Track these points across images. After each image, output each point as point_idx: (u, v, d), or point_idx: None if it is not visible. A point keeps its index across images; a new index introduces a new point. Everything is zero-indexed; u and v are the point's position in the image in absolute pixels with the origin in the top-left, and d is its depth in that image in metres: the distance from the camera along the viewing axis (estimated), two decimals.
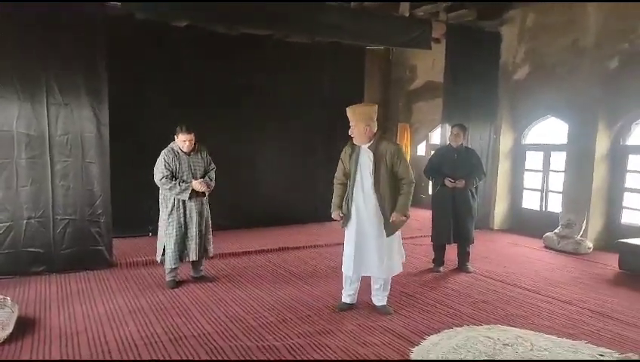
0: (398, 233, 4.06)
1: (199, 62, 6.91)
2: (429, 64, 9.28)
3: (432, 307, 4.28)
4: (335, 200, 4.13)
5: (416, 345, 3.45)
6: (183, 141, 4.49)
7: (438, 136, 9.09)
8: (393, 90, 10.60)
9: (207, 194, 4.65)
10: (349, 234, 4.06)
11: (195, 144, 4.60)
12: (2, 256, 4.79)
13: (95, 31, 5.04)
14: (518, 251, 6.55)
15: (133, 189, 6.54)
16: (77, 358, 3.18)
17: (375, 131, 3.94)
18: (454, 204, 5.26)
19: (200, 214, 4.60)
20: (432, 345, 3.47)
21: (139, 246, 6.13)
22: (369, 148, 3.92)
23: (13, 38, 4.72)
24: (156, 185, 4.59)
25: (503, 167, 7.96)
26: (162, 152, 4.54)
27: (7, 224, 4.81)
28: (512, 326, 3.82)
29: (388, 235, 3.95)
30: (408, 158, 10.09)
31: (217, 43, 7.01)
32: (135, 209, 6.58)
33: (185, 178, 4.51)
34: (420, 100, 9.93)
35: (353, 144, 4.00)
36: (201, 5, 5.56)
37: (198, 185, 4.48)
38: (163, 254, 4.62)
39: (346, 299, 4.20)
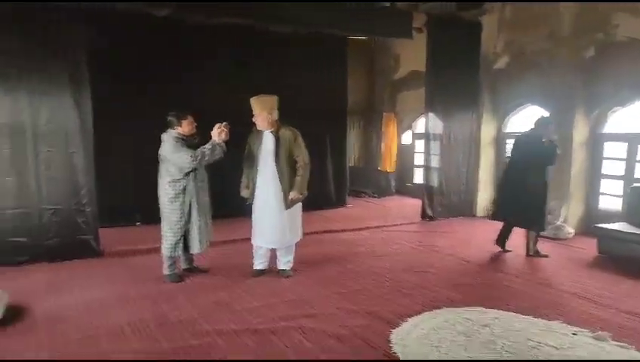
0: (297, 209, 4.62)
1: (182, 54, 6.93)
2: (412, 53, 9.34)
3: (414, 290, 4.39)
4: (243, 179, 4.67)
5: (397, 327, 3.56)
6: (191, 123, 4.42)
7: (422, 124, 9.18)
8: (378, 80, 10.66)
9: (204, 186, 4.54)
10: (254, 208, 4.63)
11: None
12: None
13: (76, 21, 5.04)
14: None
15: (121, 180, 6.58)
16: (66, 344, 3.24)
17: (277, 118, 4.48)
18: None
19: (199, 203, 4.46)
20: (412, 326, 3.58)
21: (126, 235, 6.17)
22: (271, 133, 4.46)
23: None
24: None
25: (486, 156, 8.10)
26: (170, 141, 4.32)
27: None
28: (491, 308, 3.96)
29: (286, 208, 4.48)
30: (395, 148, 10.25)
31: (196, 33, 6.96)
32: (122, 199, 6.61)
33: None
34: (405, 89, 10.01)
35: (258, 130, 4.52)
36: None
37: (216, 132, 4.32)
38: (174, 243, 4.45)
39: (257, 266, 4.78)
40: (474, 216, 8.02)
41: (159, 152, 4.39)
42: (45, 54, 4.90)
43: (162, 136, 4.41)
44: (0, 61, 4.76)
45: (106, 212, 5.70)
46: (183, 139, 4.38)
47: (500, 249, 5.74)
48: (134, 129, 6.46)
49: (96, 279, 4.61)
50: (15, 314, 3.70)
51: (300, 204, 4.65)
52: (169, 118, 4.43)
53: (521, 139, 5.68)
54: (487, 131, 8.06)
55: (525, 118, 7.78)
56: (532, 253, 5.57)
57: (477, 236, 6.67)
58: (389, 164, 10.32)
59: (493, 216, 5.91)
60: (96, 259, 5.23)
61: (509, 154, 5.85)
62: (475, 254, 5.68)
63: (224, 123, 4.39)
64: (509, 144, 7.91)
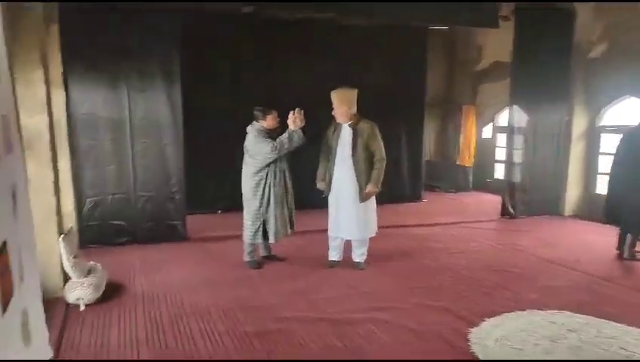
0: (372, 202, 4.64)
1: (268, 50, 7.09)
2: (496, 43, 8.92)
3: (493, 290, 4.25)
4: (320, 172, 4.75)
5: (475, 326, 3.47)
6: (275, 118, 4.60)
7: (505, 118, 8.76)
8: (458, 71, 10.31)
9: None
10: (331, 200, 4.69)
11: None
12: (93, 228, 5.35)
13: (170, 23, 5.37)
14: (590, 238, 6.25)
15: (204, 170, 6.95)
16: (158, 320, 3.53)
17: (355, 112, 4.52)
18: None
19: (277, 194, 4.61)
20: (493, 326, 3.48)
21: (209, 222, 6.53)
22: (349, 126, 4.52)
23: (99, 31, 5.16)
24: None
25: (576, 151, 7.57)
26: (253, 133, 4.54)
27: (96, 199, 5.34)
28: (579, 313, 3.73)
29: (361, 201, 4.51)
30: (473, 141, 9.89)
31: (279, 28, 7.12)
32: (205, 188, 6.99)
33: None
34: (487, 81, 9.60)
35: (336, 123, 4.59)
36: None
37: (291, 120, 4.48)
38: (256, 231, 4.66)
39: (332, 257, 4.84)
40: (561, 215, 7.54)
41: (244, 144, 4.61)
42: (142, 53, 5.30)
43: (247, 128, 4.63)
44: (108, 61, 5.24)
45: (191, 200, 6.05)
46: (265, 132, 4.57)
47: (624, 256, 5.21)
48: (217, 122, 6.78)
49: (183, 262, 4.95)
50: (114, 289, 4.09)
51: (373, 198, 4.66)
52: (255, 112, 4.61)
53: (629, 134, 5.22)
54: (579, 125, 7.51)
55: (624, 111, 7.16)
56: (627, 256, 5.15)
57: (563, 236, 6.28)
58: (467, 159, 9.97)
59: (604, 217, 5.52)
60: (182, 244, 5.60)
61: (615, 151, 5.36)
62: (561, 255, 5.35)
63: (297, 109, 4.50)
64: (605, 139, 7.38)
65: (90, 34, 5.13)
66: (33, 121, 3.52)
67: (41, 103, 3.59)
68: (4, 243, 1.51)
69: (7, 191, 1.65)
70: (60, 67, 4.97)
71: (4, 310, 1.47)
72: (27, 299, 1.84)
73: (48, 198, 3.71)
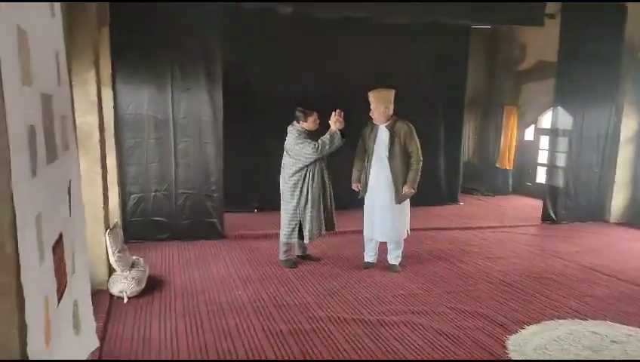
0: (406, 204, 4.63)
1: (306, 49, 7.07)
2: (541, 42, 8.65)
3: (532, 297, 4.14)
4: (354, 173, 4.75)
5: (514, 334, 3.40)
6: (316, 120, 4.63)
7: (548, 119, 8.48)
8: (500, 71, 10.04)
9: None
10: (366, 201, 4.70)
11: None
12: (136, 223, 5.55)
13: (212, 23, 5.49)
14: (637, 246, 5.97)
15: (242, 169, 7.06)
16: (197, 314, 3.63)
17: (392, 112, 4.52)
18: None
19: (314, 194, 4.63)
20: (531, 334, 3.40)
21: (245, 221, 6.64)
22: (386, 127, 4.51)
23: (144, 33, 5.33)
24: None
25: (624, 154, 7.25)
26: (294, 133, 4.57)
27: (139, 195, 5.54)
28: (623, 324, 3.59)
29: (397, 203, 4.52)
30: (514, 143, 9.63)
31: (317, 26, 7.11)
32: (242, 187, 7.10)
33: None
34: (530, 81, 9.32)
35: (373, 123, 4.58)
36: None
37: (333, 120, 4.52)
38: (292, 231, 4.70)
39: (368, 258, 4.84)
40: (606, 221, 7.24)
41: (284, 145, 4.66)
42: (186, 53, 5.44)
43: (288, 128, 4.68)
44: (155, 61, 5.42)
45: (228, 198, 6.17)
46: (306, 133, 4.60)
47: None
48: (254, 121, 6.87)
49: (220, 259, 5.06)
50: (155, 284, 4.23)
51: (407, 200, 4.63)
52: (297, 113, 4.65)
53: None
54: (628, 126, 7.18)
55: None
56: None
57: (608, 244, 6.03)
58: (507, 161, 9.71)
59: None
60: (220, 241, 5.71)
61: None
62: (605, 263, 5.14)
63: (337, 110, 4.53)
64: None
65: (138, 34, 5.31)
66: (85, 121, 3.69)
67: (92, 103, 3.75)
68: (60, 235, 1.62)
69: (63, 186, 1.76)
70: (109, 67, 5.18)
71: (59, 300, 1.57)
72: (78, 290, 1.94)
73: (97, 194, 3.88)
